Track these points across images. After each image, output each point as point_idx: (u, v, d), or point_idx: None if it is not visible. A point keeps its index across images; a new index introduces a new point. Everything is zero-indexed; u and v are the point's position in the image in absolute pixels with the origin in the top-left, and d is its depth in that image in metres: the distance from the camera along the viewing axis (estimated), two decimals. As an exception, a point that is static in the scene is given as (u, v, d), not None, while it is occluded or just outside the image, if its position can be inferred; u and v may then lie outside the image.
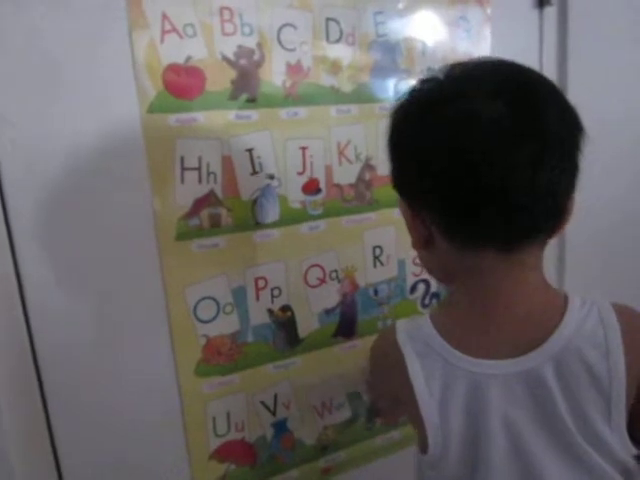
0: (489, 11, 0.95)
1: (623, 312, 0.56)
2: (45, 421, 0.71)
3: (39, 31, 0.63)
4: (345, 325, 0.89)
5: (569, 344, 0.54)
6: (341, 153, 0.84)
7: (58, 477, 0.73)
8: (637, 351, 0.54)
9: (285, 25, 0.77)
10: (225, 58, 0.73)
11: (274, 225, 0.81)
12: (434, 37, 0.90)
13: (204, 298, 0.77)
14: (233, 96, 0.75)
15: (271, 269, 0.82)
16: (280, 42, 0.77)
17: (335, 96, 0.83)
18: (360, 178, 0.87)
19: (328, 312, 0.88)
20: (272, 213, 0.80)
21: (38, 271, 0.67)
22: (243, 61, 0.75)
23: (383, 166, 0.88)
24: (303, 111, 0.80)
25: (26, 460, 0.70)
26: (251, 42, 0.75)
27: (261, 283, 0.81)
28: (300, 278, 0.84)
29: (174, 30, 0.70)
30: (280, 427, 0.87)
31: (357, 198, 0.87)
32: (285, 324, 0.84)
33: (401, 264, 0.93)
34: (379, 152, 0.87)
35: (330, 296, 0.88)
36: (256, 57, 0.76)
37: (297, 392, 0.87)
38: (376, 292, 0.92)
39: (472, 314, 0.58)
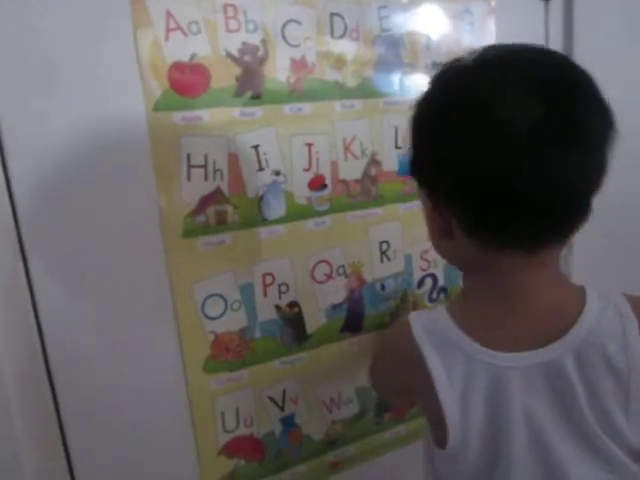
0: (493, 4, 0.94)
1: (637, 304, 0.56)
2: (58, 425, 0.71)
3: (40, 31, 0.63)
4: (352, 320, 0.90)
5: (589, 336, 0.54)
6: (347, 149, 0.84)
7: (71, 480, 0.73)
8: None
9: (289, 21, 0.77)
10: (229, 55, 0.73)
11: (280, 221, 0.81)
12: (438, 31, 0.90)
13: (211, 295, 0.78)
14: (238, 93, 0.75)
15: (278, 265, 0.82)
16: (284, 38, 0.77)
17: (339, 91, 0.82)
18: (366, 173, 0.87)
19: (335, 307, 0.88)
20: (278, 209, 0.80)
21: (47, 273, 0.67)
22: (247, 58, 0.75)
23: (389, 161, 0.88)
24: (308, 107, 0.80)
25: (39, 465, 0.71)
26: (255, 39, 0.75)
27: (268, 279, 0.82)
28: (307, 274, 0.84)
29: (178, 28, 0.70)
30: (288, 422, 0.87)
31: (363, 193, 0.87)
32: (292, 320, 0.85)
33: (408, 259, 0.93)
34: (384, 147, 0.87)
35: (337, 292, 0.88)
36: (260, 53, 0.76)
37: (305, 387, 0.88)
38: (383, 287, 0.92)
39: (492, 308, 0.57)
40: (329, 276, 0.86)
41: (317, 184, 0.83)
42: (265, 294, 0.82)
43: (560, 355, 0.54)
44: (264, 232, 0.80)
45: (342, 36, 0.81)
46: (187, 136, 0.72)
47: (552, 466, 0.56)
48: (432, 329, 0.58)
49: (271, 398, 0.85)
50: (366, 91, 0.85)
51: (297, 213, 0.82)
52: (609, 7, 1.06)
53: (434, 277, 0.97)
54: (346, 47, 0.82)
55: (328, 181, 0.84)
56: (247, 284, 0.80)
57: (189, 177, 0.73)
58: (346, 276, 0.88)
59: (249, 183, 0.78)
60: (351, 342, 0.90)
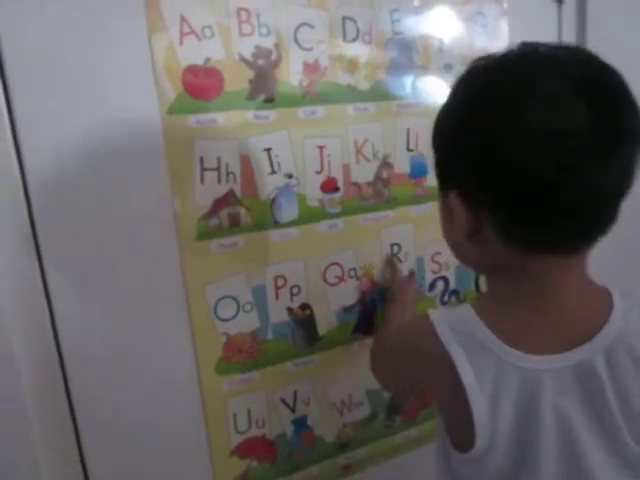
0: (505, 6, 0.94)
1: None
2: (73, 430, 0.72)
3: (57, 34, 0.64)
4: (363, 322, 0.90)
5: (618, 337, 0.54)
6: (358, 151, 0.85)
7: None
8: None
9: (302, 25, 0.77)
10: (243, 59, 0.74)
11: (293, 224, 0.81)
12: (450, 33, 0.90)
13: (224, 297, 0.78)
14: (251, 96, 0.75)
15: (290, 268, 0.82)
16: (297, 42, 0.77)
17: (352, 94, 0.83)
18: (378, 176, 0.87)
19: (347, 310, 0.88)
20: (290, 212, 0.81)
21: (63, 277, 0.68)
22: (261, 61, 0.75)
23: (400, 164, 0.89)
24: (320, 110, 0.81)
25: (55, 470, 0.71)
26: (268, 42, 0.75)
27: (280, 282, 0.82)
28: (319, 276, 0.85)
29: (192, 32, 0.71)
30: (300, 424, 0.88)
31: (375, 196, 0.87)
32: (304, 322, 0.85)
33: (419, 261, 0.93)
34: (396, 150, 0.87)
35: (348, 294, 0.88)
36: (273, 57, 0.76)
37: (316, 389, 0.88)
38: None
39: (521, 311, 0.57)
40: (341, 278, 0.87)
41: (329, 187, 0.83)
42: (277, 296, 0.82)
43: (591, 356, 0.54)
44: (276, 234, 0.80)
45: (354, 39, 0.82)
46: (201, 139, 0.73)
47: (579, 469, 0.55)
48: (460, 328, 0.56)
49: (283, 400, 0.85)
50: (379, 94, 0.85)
51: (309, 216, 0.82)
52: (622, 8, 1.05)
53: (446, 280, 0.97)
54: (359, 50, 0.82)
55: (340, 184, 0.84)
56: (259, 286, 0.80)
57: (202, 180, 0.74)
58: (357, 278, 0.88)
59: (261, 186, 0.78)
60: (362, 344, 0.90)
